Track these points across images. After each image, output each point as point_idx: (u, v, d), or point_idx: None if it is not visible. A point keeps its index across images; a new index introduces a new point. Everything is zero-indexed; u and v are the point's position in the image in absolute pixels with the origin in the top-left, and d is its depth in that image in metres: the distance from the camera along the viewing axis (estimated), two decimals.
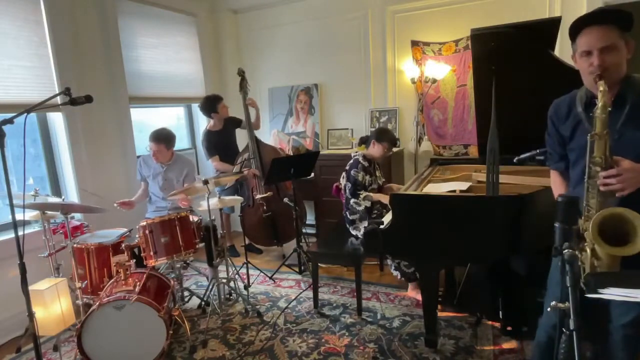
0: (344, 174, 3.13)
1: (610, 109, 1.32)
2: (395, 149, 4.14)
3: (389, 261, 3.14)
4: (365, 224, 2.97)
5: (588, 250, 1.37)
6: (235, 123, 4.09)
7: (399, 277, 3.03)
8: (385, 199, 2.93)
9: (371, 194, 3.02)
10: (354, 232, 3.08)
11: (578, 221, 1.41)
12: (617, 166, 1.32)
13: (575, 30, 1.44)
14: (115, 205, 3.11)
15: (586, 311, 1.14)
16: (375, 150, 3.08)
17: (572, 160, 1.60)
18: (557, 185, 1.70)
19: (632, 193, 1.32)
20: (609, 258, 1.31)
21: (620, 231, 1.27)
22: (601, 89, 1.32)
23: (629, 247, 1.24)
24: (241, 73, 3.95)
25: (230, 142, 4.11)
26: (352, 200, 3.00)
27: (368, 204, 2.99)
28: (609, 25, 1.37)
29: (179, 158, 3.45)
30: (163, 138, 3.24)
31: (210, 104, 3.87)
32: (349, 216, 3.09)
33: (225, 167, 3.92)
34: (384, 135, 3.08)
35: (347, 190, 3.04)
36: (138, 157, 3.55)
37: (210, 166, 4.17)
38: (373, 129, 4.30)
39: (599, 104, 1.32)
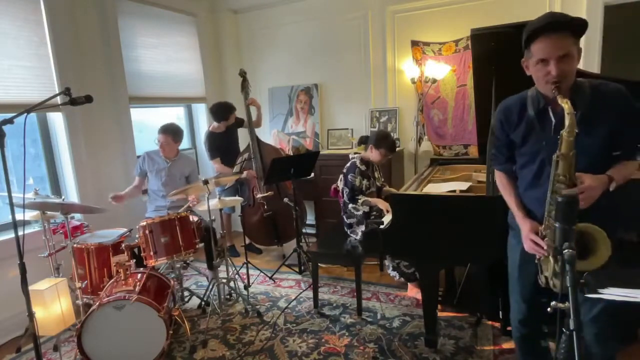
0: (341, 176, 3.09)
1: (576, 131, 1.32)
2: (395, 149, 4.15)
3: (386, 262, 3.14)
4: (363, 227, 2.95)
5: (551, 258, 1.42)
6: (237, 123, 4.09)
7: (397, 277, 3.03)
8: (383, 204, 2.89)
9: (369, 198, 2.98)
10: (352, 236, 3.07)
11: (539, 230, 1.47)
12: (581, 183, 1.34)
13: (530, 37, 1.42)
14: (109, 200, 3.12)
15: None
16: (373, 155, 2.99)
17: (521, 163, 1.60)
18: (507, 186, 1.70)
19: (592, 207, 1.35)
20: None
21: (583, 244, 1.29)
22: (567, 110, 1.32)
23: (591, 261, 1.28)
24: (243, 74, 3.95)
25: (233, 144, 4.11)
26: (350, 205, 2.98)
27: (366, 209, 2.95)
28: (564, 33, 1.37)
29: (183, 156, 3.49)
30: (171, 130, 3.30)
31: (224, 113, 3.86)
32: (346, 220, 3.07)
33: (227, 170, 3.91)
34: (382, 142, 2.94)
35: (345, 195, 3.01)
36: (138, 156, 3.55)
37: (210, 166, 4.17)
38: (374, 129, 4.31)
39: (567, 126, 1.33)
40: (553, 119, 1.48)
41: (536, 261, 1.52)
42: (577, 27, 1.39)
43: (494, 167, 1.79)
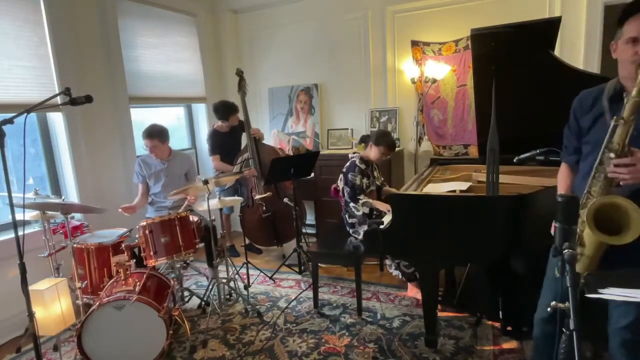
0: (341, 176, 3.11)
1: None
2: (395, 149, 4.15)
3: (388, 261, 3.13)
4: (365, 227, 2.95)
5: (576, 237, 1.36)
6: (241, 127, 4.08)
7: (399, 276, 3.02)
8: (383, 207, 2.91)
9: (370, 200, 2.98)
10: (354, 236, 3.07)
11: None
12: (632, 156, 1.28)
13: (625, 14, 1.35)
14: (119, 210, 3.09)
15: (584, 310, 1.13)
16: (372, 153, 3.01)
17: (585, 152, 1.55)
18: (563, 177, 1.67)
19: (638, 187, 1.29)
20: (594, 246, 1.32)
21: (612, 222, 1.27)
22: None
23: (618, 237, 1.25)
24: (239, 73, 3.95)
25: (235, 144, 4.11)
26: (351, 205, 2.99)
27: (367, 210, 2.95)
28: None
29: (178, 154, 3.47)
30: (155, 133, 3.21)
31: (225, 112, 3.86)
32: (348, 219, 3.08)
33: (224, 167, 3.92)
34: (382, 139, 2.97)
35: (346, 194, 3.02)
36: (139, 156, 3.54)
37: (210, 166, 4.17)
38: (374, 129, 4.31)
39: (637, 87, 1.26)
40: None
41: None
42: None
43: (560, 158, 1.74)
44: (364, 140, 3.21)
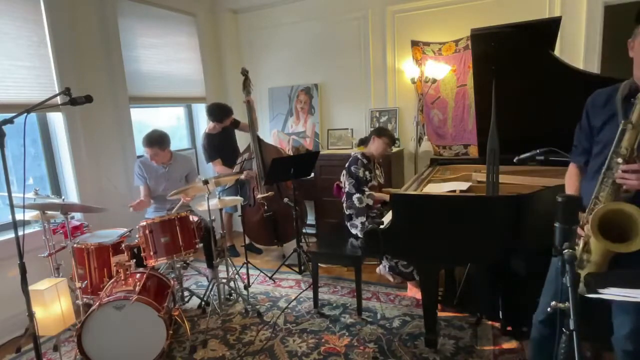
0: (344, 171, 3.17)
1: None
2: (395, 149, 4.16)
3: (381, 267, 3.14)
4: (363, 219, 3.01)
5: (580, 243, 1.35)
6: (234, 123, 4.08)
7: (391, 279, 3.05)
8: (386, 197, 2.98)
9: (374, 193, 3.07)
10: (352, 230, 3.10)
11: (579, 214, 1.36)
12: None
13: None
14: (129, 209, 3.08)
15: (584, 311, 1.12)
16: (376, 146, 3.13)
17: (595, 152, 1.50)
18: (571, 177, 1.64)
19: None
20: (600, 253, 1.29)
21: (619, 229, 1.24)
22: None
23: (625, 245, 1.23)
24: (245, 73, 3.94)
25: (231, 143, 4.10)
26: (355, 196, 3.03)
27: (370, 202, 3.03)
28: None
29: (179, 157, 3.45)
30: (155, 140, 3.18)
31: (220, 115, 3.84)
32: (345, 211, 3.13)
33: (228, 171, 3.90)
34: (383, 131, 3.18)
35: (350, 186, 3.07)
36: (139, 156, 3.54)
37: (210, 167, 4.16)
38: (372, 129, 4.31)
39: None
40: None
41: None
42: None
43: (569, 158, 1.69)
44: (363, 142, 3.27)
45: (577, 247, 1.38)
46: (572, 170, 1.67)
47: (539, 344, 1.77)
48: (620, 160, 1.27)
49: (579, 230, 1.38)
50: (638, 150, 1.27)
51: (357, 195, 3.02)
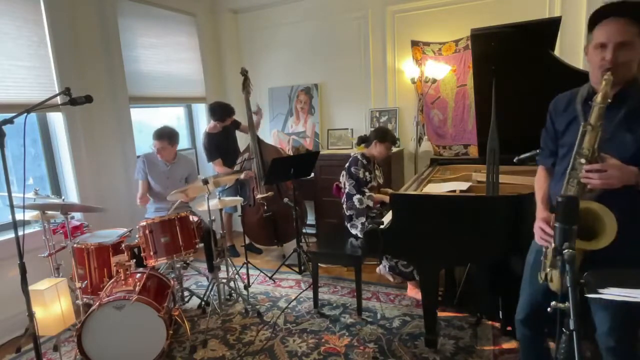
0: (343, 172, 3.16)
1: (609, 100, 1.29)
2: (395, 149, 4.16)
3: (381, 267, 3.14)
4: (363, 219, 3.01)
5: (553, 244, 1.39)
6: (234, 124, 4.09)
7: (391, 279, 3.04)
8: (386, 199, 2.96)
9: (373, 194, 3.06)
10: (352, 230, 3.09)
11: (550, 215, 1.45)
12: (602, 162, 1.31)
13: (594, 20, 1.37)
14: (139, 205, 3.17)
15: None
16: (378, 150, 3.12)
17: (561, 155, 1.57)
18: (540, 179, 1.69)
19: (612, 191, 1.30)
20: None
21: (587, 228, 1.28)
22: (606, 77, 1.28)
23: (594, 243, 1.26)
24: (244, 73, 3.94)
25: (231, 143, 4.11)
26: (356, 197, 3.02)
27: (370, 203, 3.02)
28: (629, 20, 1.31)
29: (183, 158, 3.47)
30: (166, 135, 3.25)
31: (222, 113, 3.85)
32: (346, 212, 3.12)
33: (228, 171, 3.90)
34: (387, 135, 3.13)
35: (349, 186, 3.06)
36: (139, 156, 3.54)
37: (210, 167, 4.17)
38: (372, 129, 4.30)
39: (600, 92, 1.29)
40: None
41: (541, 258, 1.50)
42: None
43: (537, 161, 1.75)
44: (364, 140, 3.24)
45: (549, 248, 1.44)
46: (540, 173, 1.72)
47: (523, 343, 1.82)
48: (583, 160, 1.32)
49: (548, 230, 1.45)
50: (599, 150, 1.32)
51: (358, 196, 3.02)
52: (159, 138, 3.22)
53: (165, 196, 3.24)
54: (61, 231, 2.84)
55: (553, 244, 1.42)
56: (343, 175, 3.17)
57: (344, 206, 3.12)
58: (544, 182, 1.67)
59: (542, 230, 1.47)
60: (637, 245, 1.37)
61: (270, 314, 3.00)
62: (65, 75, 3.23)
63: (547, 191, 1.63)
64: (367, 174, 3.10)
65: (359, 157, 3.12)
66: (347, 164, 3.14)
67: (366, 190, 3.04)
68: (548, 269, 1.44)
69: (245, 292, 3.30)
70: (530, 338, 1.78)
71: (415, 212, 2.26)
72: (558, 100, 1.60)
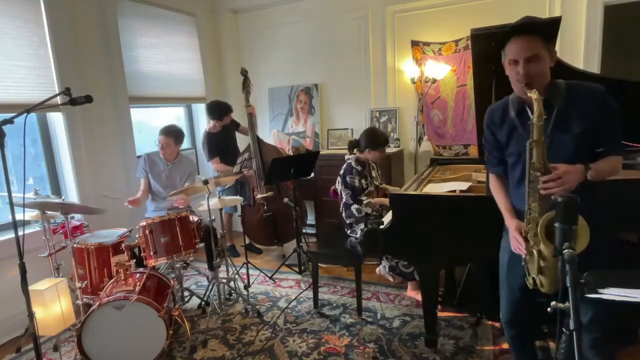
0: (339, 179, 3.10)
1: (545, 116, 1.38)
2: (395, 149, 4.16)
3: (381, 267, 3.13)
4: (362, 226, 2.96)
5: (535, 252, 1.44)
6: (234, 124, 4.09)
7: (391, 279, 3.03)
8: (386, 202, 2.93)
9: (371, 200, 3.00)
10: (352, 236, 3.06)
11: (521, 225, 1.52)
12: (555, 170, 1.38)
13: (504, 38, 1.51)
14: (125, 204, 3.10)
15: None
16: (372, 156, 3.02)
17: (510, 163, 1.65)
18: (497, 187, 1.75)
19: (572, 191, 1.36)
20: (552, 259, 1.37)
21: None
22: (535, 97, 1.38)
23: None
24: (244, 73, 3.94)
25: (231, 143, 4.11)
26: (354, 207, 2.97)
27: (369, 210, 2.97)
28: (533, 36, 1.44)
29: (184, 158, 3.48)
30: (173, 132, 3.31)
31: (220, 112, 3.87)
32: (345, 219, 3.07)
33: (226, 169, 3.92)
34: (378, 142, 2.98)
35: (346, 196, 3.01)
36: (139, 156, 3.55)
37: (210, 167, 4.17)
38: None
39: (535, 112, 1.38)
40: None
41: (523, 263, 1.54)
42: (546, 30, 1.47)
43: (486, 168, 1.84)
44: (354, 145, 3.10)
45: (532, 256, 1.47)
46: (495, 181, 1.77)
47: (513, 345, 1.86)
48: (538, 173, 1.41)
49: (520, 240, 1.51)
50: (549, 158, 1.40)
51: (355, 206, 2.97)
52: (166, 134, 3.27)
53: (165, 196, 3.25)
54: (61, 231, 2.84)
55: (528, 254, 1.48)
56: (338, 182, 3.11)
57: (343, 215, 3.08)
58: (501, 189, 1.73)
59: (517, 241, 1.53)
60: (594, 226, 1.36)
61: (270, 314, 3.00)
62: (65, 75, 3.23)
63: (508, 199, 1.69)
64: (362, 180, 3.02)
65: (352, 164, 3.01)
66: (342, 171, 3.06)
67: (363, 199, 2.97)
68: (534, 275, 1.47)
69: (245, 292, 3.30)
70: (519, 337, 1.82)
71: (415, 212, 2.26)
72: (493, 112, 1.68)
